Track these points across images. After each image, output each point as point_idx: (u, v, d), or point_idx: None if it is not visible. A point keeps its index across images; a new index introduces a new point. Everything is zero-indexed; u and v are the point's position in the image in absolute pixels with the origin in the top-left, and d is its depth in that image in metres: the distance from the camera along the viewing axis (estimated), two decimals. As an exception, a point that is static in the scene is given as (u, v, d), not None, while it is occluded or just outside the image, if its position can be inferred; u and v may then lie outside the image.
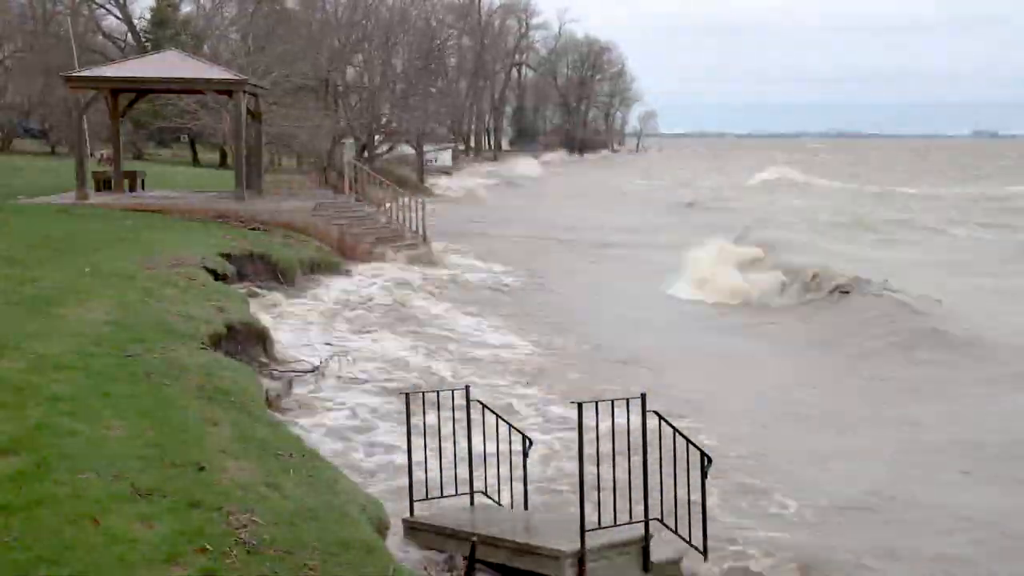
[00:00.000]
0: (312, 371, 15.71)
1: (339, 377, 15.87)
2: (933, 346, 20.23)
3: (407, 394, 10.36)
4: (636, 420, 9.57)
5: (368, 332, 19.80)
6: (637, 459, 9.47)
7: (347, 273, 26.26)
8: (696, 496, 9.58)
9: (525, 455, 10.41)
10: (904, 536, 10.91)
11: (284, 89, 45.73)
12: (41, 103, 57.72)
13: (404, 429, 10.25)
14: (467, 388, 10.68)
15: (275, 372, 15.18)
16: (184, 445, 8.68)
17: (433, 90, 67.60)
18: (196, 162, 60.79)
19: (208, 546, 6.82)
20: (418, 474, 9.92)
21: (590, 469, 9.02)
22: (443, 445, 10.14)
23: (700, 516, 9.56)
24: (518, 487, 10.40)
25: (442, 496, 10.19)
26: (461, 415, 10.43)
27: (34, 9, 63.53)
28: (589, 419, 8.79)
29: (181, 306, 14.97)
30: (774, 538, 10.51)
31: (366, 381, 15.98)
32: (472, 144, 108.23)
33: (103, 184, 30.89)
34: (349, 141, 52.15)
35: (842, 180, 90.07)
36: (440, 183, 70.23)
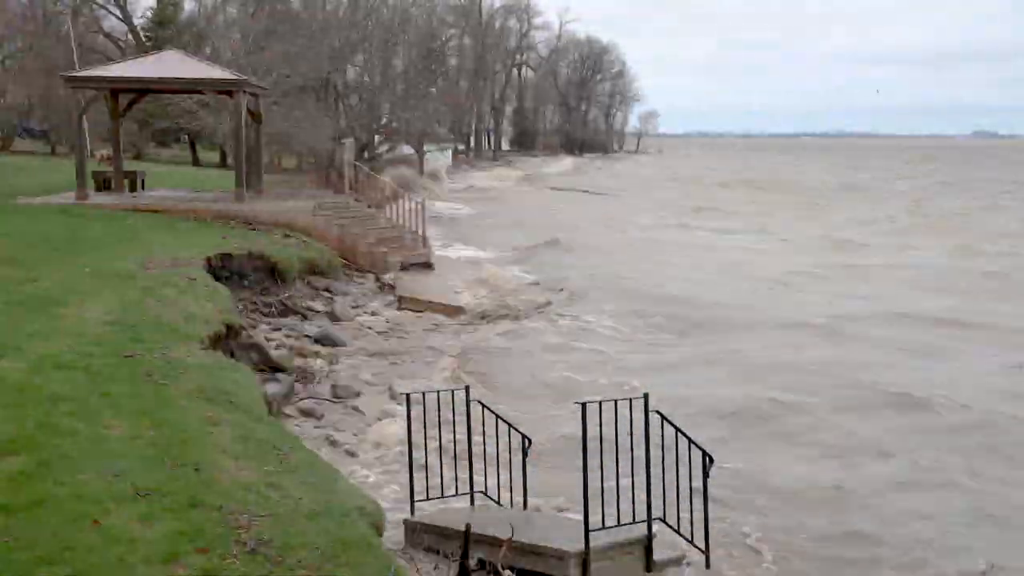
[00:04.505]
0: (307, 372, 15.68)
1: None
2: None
3: (407, 395, 10.34)
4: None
5: None
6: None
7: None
8: (698, 496, 9.56)
9: (525, 455, 10.38)
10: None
11: (284, 89, 45.66)
12: (41, 103, 57.64)
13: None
14: (467, 388, 10.65)
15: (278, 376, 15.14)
16: (184, 445, 8.66)
17: (433, 90, 67.45)
18: (196, 162, 60.70)
19: (208, 546, 6.80)
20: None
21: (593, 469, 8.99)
22: (443, 445, 10.12)
23: (703, 515, 9.54)
24: (518, 486, 10.37)
25: (443, 496, 10.16)
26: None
27: (34, 9, 63.40)
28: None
29: (181, 306, 14.94)
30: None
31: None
32: (472, 144, 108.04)
33: (103, 184, 30.83)
34: (349, 141, 52.05)
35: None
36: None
